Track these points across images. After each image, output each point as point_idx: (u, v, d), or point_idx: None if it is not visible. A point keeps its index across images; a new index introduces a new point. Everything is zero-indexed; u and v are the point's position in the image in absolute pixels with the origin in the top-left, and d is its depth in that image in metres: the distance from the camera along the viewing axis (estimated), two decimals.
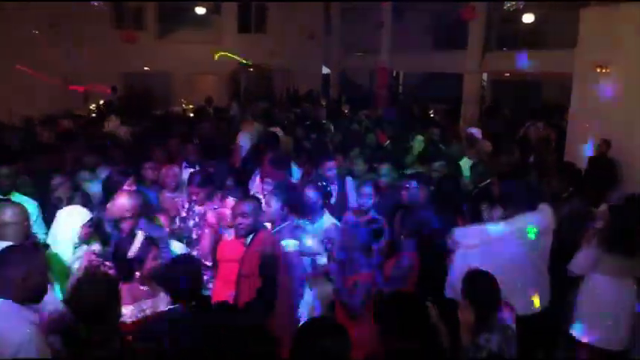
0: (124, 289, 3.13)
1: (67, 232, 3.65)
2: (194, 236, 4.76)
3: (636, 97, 8.16)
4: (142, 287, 3.26)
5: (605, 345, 4.03)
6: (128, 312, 3.10)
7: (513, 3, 7.91)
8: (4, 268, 2.61)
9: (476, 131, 7.39)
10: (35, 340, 2.49)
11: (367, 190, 4.76)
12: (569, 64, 9.78)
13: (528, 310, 3.90)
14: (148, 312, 3.18)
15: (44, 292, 2.71)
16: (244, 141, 7.80)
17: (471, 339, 2.98)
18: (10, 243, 3.29)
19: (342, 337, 2.32)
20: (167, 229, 4.45)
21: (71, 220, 3.68)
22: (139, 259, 3.25)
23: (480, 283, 3.07)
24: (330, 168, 5.54)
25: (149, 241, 3.33)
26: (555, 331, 4.37)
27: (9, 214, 3.44)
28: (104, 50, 14.90)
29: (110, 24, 16.22)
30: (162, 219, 4.62)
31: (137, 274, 3.25)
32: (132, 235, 3.41)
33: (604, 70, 8.82)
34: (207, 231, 4.53)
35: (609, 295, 4.02)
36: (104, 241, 3.93)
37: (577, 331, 4.13)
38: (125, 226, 3.88)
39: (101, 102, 14.13)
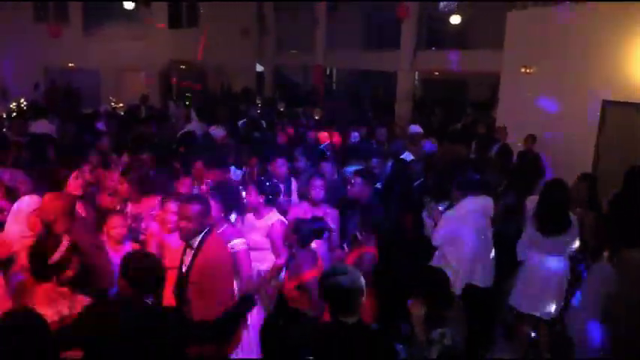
0: (40, 290, 3.01)
1: None
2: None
3: (556, 95, 8.71)
4: (59, 289, 3.08)
5: (536, 311, 4.64)
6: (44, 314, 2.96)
7: (448, 3, 8.22)
8: None
9: (417, 128, 7.66)
10: None
11: (318, 182, 4.86)
12: (495, 63, 10.31)
13: (486, 284, 4.56)
14: (66, 314, 3.02)
15: None
16: None
17: (424, 334, 3.03)
18: None
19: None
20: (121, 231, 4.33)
21: None
22: (60, 266, 3.09)
23: (432, 279, 3.16)
24: (281, 165, 5.62)
25: (73, 248, 3.20)
26: (497, 305, 4.93)
27: None
28: (25, 45, 14.10)
29: (31, 17, 15.36)
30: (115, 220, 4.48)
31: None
32: (57, 238, 3.24)
33: (528, 70, 9.36)
34: (151, 241, 4.42)
35: (542, 270, 4.60)
36: None
37: (513, 302, 4.75)
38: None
39: (22, 100, 13.38)
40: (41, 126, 8.50)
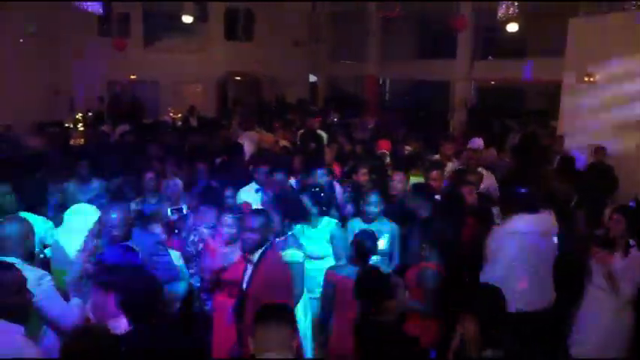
0: None
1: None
2: (193, 251, 4.73)
3: (619, 103, 8.36)
4: None
5: None
6: None
7: (507, 11, 8.01)
8: None
9: (479, 142, 7.38)
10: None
11: (373, 198, 4.79)
12: (554, 71, 9.99)
13: (529, 308, 4.12)
14: None
15: (23, 312, 2.72)
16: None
17: (476, 352, 2.92)
18: (10, 257, 3.27)
19: None
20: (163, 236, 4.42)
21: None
22: None
23: (487, 297, 3.03)
24: (321, 176, 5.60)
25: None
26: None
27: (10, 230, 3.41)
28: (90, 59, 14.75)
29: (96, 32, 16.06)
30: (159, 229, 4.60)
31: None
32: None
33: (591, 79, 9.01)
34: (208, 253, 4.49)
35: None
36: None
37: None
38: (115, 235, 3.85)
39: (88, 112, 14.01)
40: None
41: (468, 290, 3.24)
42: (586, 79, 9.09)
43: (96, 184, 5.96)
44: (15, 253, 3.36)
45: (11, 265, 2.86)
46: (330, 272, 4.01)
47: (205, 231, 4.57)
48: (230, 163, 6.86)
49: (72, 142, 10.16)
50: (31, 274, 3.06)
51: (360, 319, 3.33)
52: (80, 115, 13.66)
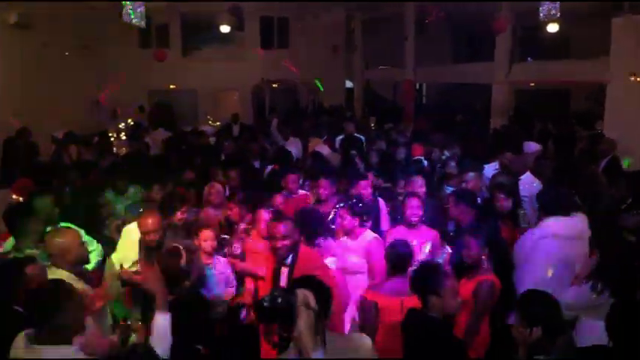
0: None
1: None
2: (237, 252, 4.79)
3: None
4: None
5: None
6: None
7: (550, 11, 7.80)
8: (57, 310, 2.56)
9: (534, 146, 7.17)
10: None
11: (414, 202, 4.70)
12: (598, 72, 9.70)
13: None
14: None
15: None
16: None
17: (526, 357, 2.88)
18: (63, 272, 3.35)
19: None
20: (212, 243, 4.48)
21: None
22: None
23: (538, 304, 2.97)
24: (365, 187, 5.54)
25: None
26: None
27: (60, 241, 3.48)
28: (131, 69, 15.13)
29: (136, 44, 16.48)
30: (206, 233, 4.65)
31: None
32: None
33: (638, 79, 8.72)
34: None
35: None
36: None
37: None
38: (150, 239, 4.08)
39: (129, 120, 14.34)
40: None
41: (520, 296, 3.16)
42: (632, 78, 8.80)
43: (132, 191, 6.08)
44: (66, 264, 3.43)
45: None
46: (369, 292, 3.86)
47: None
48: (282, 171, 6.90)
49: (115, 150, 10.44)
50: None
51: (408, 313, 3.30)
52: (122, 124, 14.00)
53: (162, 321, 2.79)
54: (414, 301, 3.35)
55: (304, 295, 2.19)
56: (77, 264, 3.52)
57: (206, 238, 4.39)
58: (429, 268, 3.41)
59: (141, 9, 7.45)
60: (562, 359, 2.84)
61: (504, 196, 5.01)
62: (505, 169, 6.40)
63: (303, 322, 2.05)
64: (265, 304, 2.03)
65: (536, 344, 2.84)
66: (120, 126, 13.81)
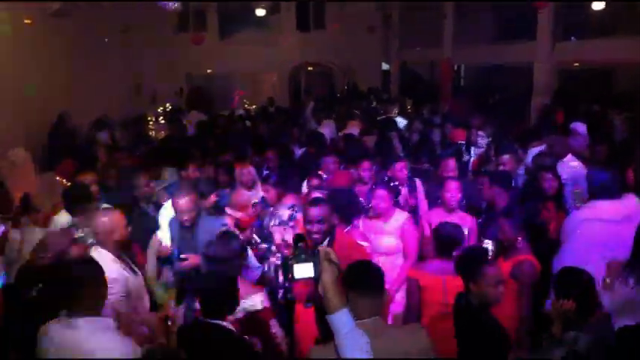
0: None
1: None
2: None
3: None
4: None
5: None
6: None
7: None
8: (85, 283, 2.67)
9: (581, 127, 6.97)
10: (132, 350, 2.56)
11: (453, 186, 4.65)
12: None
13: None
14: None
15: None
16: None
17: (559, 334, 2.90)
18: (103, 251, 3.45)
19: None
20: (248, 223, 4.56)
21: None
22: None
23: (574, 279, 3.01)
24: (401, 169, 5.48)
25: None
26: None
27: (106, 221, 3.58)
28: (169, 54, 15.34)
29: (174, 28, 16.67)
30: (240, 214, 4.73)
31: None
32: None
33: None
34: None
35: None
36: None
37: None
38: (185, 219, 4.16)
39: (167, 104, 14.58)
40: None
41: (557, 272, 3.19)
42: None
43: (169, 173, 6.18)
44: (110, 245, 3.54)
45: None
46: (413, 271, 3.93)
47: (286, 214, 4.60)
48: (316, 154, 6.93)
49: (152, 134, 10.66)
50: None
51: (456, 296, 3.32)
52: (161, 108, 14.25)
53: None
54: (457, 282, 3.37)
55: (326, 251, 2.23)
56: (121, 245, 3.61)
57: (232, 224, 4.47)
58: (474, 253, 3.42)
59: None
60: (597, 337, 2.78)
61: (552, 176, 4.96)
62: (550, 151, 6.28)
63: (327, 277, 2.09)
64: (290, 261, 2.09)
65: (569, 319, 2.86)
66: (159, 110, 14.08)
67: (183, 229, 4.25)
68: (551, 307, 2.98)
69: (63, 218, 4.44)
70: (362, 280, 2.54)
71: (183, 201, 4.15)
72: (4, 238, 4.06)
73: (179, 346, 2.87)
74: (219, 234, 3.72)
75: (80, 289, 2.61)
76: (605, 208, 4.12)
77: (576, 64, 14.93)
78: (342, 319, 2.06)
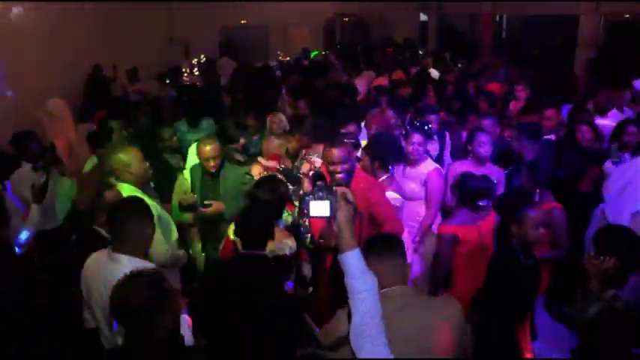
0: None
1: None
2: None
3: None
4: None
5: None
6: None
7: None
8: (128, 221, 2.78)
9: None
10: None
11: (483, 138, 4.58)
12: None
13: None
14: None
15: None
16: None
17: (598, 290, 2.86)
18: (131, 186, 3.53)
19: None
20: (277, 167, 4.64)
21: None
22: None
23: (616, 237, 2.97)
24: (434, 121, 5.40)
25: None
26: None
27: (121, 156, 3.67)
28: (202, 5, 15.20)
29: None
30: (271, 160, 4.77)
31: None
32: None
33: None
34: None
35: None
36: None
37: None
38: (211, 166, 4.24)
39: (202, 56, 14.57)
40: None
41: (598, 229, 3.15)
42: None
43: (205, 124, 6.24)
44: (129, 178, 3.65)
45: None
46: (444, 226, 3.89)
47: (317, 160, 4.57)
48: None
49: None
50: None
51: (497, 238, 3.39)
52: (195, 60, 14.25)
53: None
54: (489, 224, 3.53)
55: (344, 191, 2.24)
56: (140, 179, 3.69)
57: (259, 172, 4.49)
58: (518, 195, 3.40)
59: None
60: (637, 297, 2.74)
61: (587, 129, 4.95)
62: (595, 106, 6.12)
63: (342, 215, 2.07)
64: (307, 198, 2.09)
65: (609, 276, 2.83)
66: (193, 62, 14.10)
67: (208, 176, 4.30)
68: (589, 264, 2.93)
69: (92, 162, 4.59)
70: (383, 244, 2.53)
71: (208, 148, 4.19)
72: (45, 187, 4.18)
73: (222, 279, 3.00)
74: (266, 177, 3.87)
75: (123, 228, 2.76)
76: None
77: (627, 16, 14.18)
78: (352, 260, 2.03)
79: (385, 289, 2.31)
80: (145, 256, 2.88)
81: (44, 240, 4.30)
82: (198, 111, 6.36)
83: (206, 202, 4.16)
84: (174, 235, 3.78)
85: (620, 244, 2.89)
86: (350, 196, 2.20)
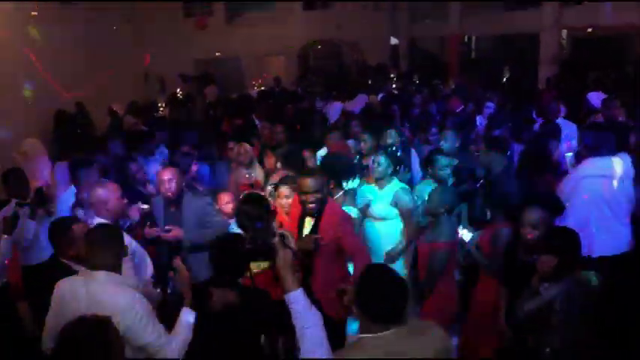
0: None
1: None
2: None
3: None
4: None
5: None
6: None
7: None
8: (101, 243, 2.90)
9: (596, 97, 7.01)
10: (140, 304, 2.75)
11: (443, 161, 4.78)
12: None
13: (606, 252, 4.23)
14: None
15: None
16: None
17: (536, 285, 3.14)
18: (103, 220, 3.65)
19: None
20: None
21: None
22: None
23: (557, 237, 3.20)
24: (391, 136, 5.67)
25: None
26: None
27: (100, 192, 3.82)
28: (176, 40, 15.45)
29: (181, 14, 16.76)
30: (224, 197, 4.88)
31: None
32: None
33: None
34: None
35: None
36: None
37: None
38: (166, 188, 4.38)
39: (179, 90, 14.74)
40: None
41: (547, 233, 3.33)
42: None
43: (159, 155, 6.37)
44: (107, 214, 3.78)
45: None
46: (426, 246, 4.02)
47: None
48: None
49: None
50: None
51: None
52: (170, 94, 14.41)
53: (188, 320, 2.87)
54: None
55: (283, 234, 2.36)
56: (116, 215, 3.86)
57: (226, 201, 4.62)
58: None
59: None
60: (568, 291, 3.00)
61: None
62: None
63: (281, 261, 2.23)
64: (248, 245, 2.23)
65: (549, 273, 3.06)
66: (169, 96, 14.25)
67: (169, 206, 4.44)
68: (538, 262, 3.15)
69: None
70: (375, 307, 2.22)
71: (164, 171, 4.40)
72: (15, 219, 4.27)
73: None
74: (248, 195, 4.05)
75: (97, 248, 2.87)
76: (602, 164, 4.30)
77: (589, 30, 14.60)
78: (295, 300, 2.20)
79: (359, 338, 2.25)
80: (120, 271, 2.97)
81: (30, 275, 4.45)
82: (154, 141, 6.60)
83: (167, 228, 4.28)
84: (149, 270, 3.88)
85: (559, 243, 3.10)
86: (289, 240, 2.33)
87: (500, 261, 3.73)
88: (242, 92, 14.20)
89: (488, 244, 3.86)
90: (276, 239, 2.26)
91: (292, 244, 2.33)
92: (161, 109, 12.48)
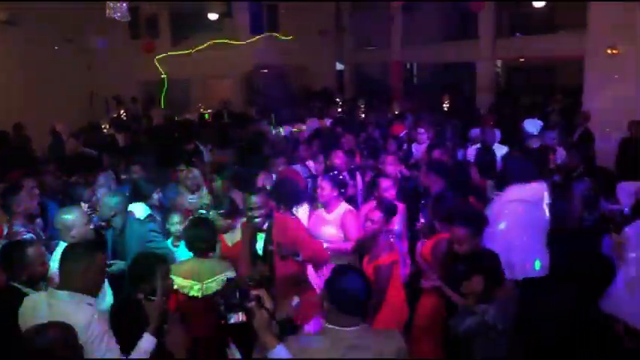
0: None
1: None
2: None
3: None
4: None
5: None
6: None
7: None
8: (68, 262, 2.89)
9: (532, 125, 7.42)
10: (97, 322, 2.75)
11: (386, 183, 5.00)
12: (580, 46, 9.85)
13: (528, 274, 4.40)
14: None
15: (99, 288, 3.01)
16: None
17: (472, 306, 3.37)
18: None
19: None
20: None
21: None
22: None
23: (487, 260, 3.50)
24: (339, 157, 5.88)
25: None
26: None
27: (65, 218, 3.82)
28: (122, 61, 15.28)
29: (127, 36, 16.59)
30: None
31: None
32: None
33: (614, 52, 8.88)
34: None
35: None
36: None
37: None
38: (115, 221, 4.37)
39: (122, 112, 14.53)
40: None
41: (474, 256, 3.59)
42: (609, 51, 8.97)
43: (102, 179, 6.28)
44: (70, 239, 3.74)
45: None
46: (370, 266, 4.15)
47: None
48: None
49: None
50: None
51: None
52: (115, 116, 14.19)
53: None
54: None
55: (258, 295, 2.42)
56: (80, 241, 3.77)
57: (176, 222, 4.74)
58: None
59: (124, 5, 7.64)
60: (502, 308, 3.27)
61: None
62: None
63: (257, 322, 2.35)
64: (221, 307, 2.32)
65: (481, 294, 3.32)
66: (114, 117, 14.03)
67: (116, 234, 4.43)
68: (466, 287, 3.41)
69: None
70: (343, 295, 2.47)
71: (107, 199, 4.41)
72: None
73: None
74: (196, 219, 4.16)
75: (65, 267, 2.86)
76: (524, 190, 4.58)
77: (522, 60, 15.55)
78: (277, 356, 2.32)
79: (326, 327, 2.46)
80: (94, 292, 2.94)
81: None
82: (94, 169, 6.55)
83: (109, 262, 4.25)
84: (109, 300, 3.86)
85: (486, 265, 3.43)
86: (264, 299, 2.42)
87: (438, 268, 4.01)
88: (187, 115, 14.19)
89: (430, 253, 4.13)
90: (253, 303, 2.34)
91: (268, 303, 2.42)
92: (104, 130, 12.28)
